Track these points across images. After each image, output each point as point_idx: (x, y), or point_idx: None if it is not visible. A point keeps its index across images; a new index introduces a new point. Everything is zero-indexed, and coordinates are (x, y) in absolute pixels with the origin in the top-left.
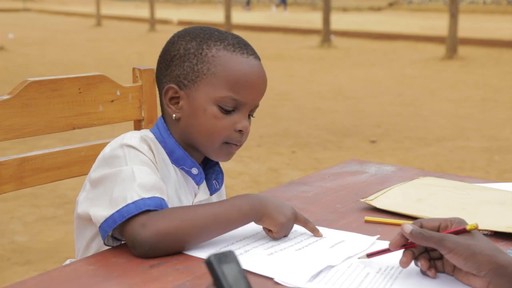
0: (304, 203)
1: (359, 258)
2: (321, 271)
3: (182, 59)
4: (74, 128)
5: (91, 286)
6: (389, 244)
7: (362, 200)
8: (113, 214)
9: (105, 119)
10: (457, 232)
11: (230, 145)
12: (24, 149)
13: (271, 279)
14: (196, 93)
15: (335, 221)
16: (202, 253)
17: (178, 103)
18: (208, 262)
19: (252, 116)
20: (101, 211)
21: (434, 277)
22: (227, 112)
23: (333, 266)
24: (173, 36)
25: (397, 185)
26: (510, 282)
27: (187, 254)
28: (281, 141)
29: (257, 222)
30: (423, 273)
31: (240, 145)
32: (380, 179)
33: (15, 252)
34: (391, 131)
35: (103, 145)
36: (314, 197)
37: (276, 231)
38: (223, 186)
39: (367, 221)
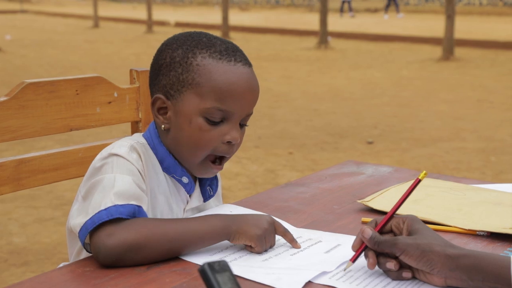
0: (301, 204)
1: (345, 269)
2: (317, 276)
3: (168, 68)
4: (71, 130)
5: None
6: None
7: (359, 201)
8: (86, 222)
9: (102, 120)
10: (410, 189)
11: (212, 164)
12: (22, 150)
13: (267, 285)
14: (182, 104)
15: (332, 222)
16: (198, 259)
17: (166, 113)
18: (202, 271)
19: (245, 125)
20: (79, 219)
21: (409, 278)
22: (214, 123)
23: (328, 272)
24: (162, 44)
25: (393, 186)
26: (463, 273)
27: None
28: (278, 142)
29: (231, 240)
30: (396, 278)
31: (227, 159)
32: (376, 180)
33: (13, 253)
34: (387, 132)
35: (101, 147)
36: (311, 198)
37: (255, 245)
38: (220, 189)
39: (364, 222)
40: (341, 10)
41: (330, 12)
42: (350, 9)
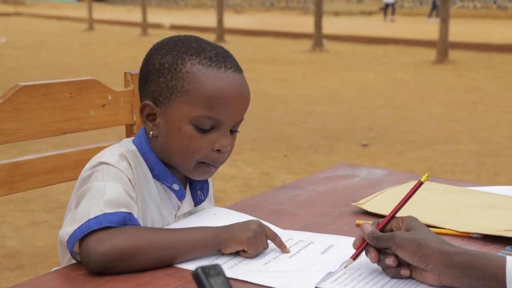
0: (296, 207)
1: (345, 267)
2: (324, 278)
3: (157, 75)
4: (65, 133)
5: None
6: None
7: (353, 203)
8: (75, 230)
9: (96, 123)
10: (411, 192)
11: (208, 165)
12: (16, 153)
13: None
14: (171, 111)
15: (327, 225)
16: (192, 267)
17: (155, 119)
18: (195, 275)
19: (236, 131)
20: (67, 228)
21: (406, 276)
22: (204, 131)
23: (333, 273)
24: (151, 49)
25: (388, 189)
26: (458, 270)
27: None
28: (273, 145)
29: (223, 249)
30: (394, 275)
31: (220, 164)
32: (371, 183)
33: (6, 257)
34: (382, 134)
35: (95, 150)
36: (306, 201)
37: (247, 247)
38: (211, 191)
39: (358, 225)
40: (385, 14)
41: (325, 15)
42: (393, 12)
